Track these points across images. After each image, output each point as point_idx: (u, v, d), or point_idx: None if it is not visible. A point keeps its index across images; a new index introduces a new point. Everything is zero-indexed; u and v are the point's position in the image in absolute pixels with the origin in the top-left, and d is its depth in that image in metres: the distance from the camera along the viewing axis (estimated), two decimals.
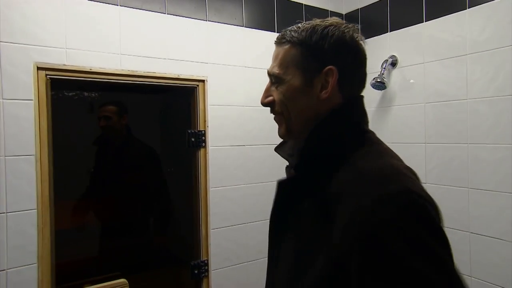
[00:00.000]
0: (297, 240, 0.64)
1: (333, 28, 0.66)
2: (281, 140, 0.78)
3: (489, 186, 1.56)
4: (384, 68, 1.93)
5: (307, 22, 0.69)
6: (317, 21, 0.68)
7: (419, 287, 0.48)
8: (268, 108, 0.73)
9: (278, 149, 0.79)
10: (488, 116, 1.56)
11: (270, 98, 0.71)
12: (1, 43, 1.29)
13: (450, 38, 1.69)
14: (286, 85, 0.68)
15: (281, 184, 0.70)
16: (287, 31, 0.70)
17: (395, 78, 1.95)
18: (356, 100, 0.70)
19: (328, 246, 0.56)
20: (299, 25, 0.69)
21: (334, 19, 0.68)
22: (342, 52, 0.66)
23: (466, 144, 1.64)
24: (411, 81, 1.87)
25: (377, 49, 2.04)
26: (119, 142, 2.39)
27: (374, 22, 2.06)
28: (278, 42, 0.71)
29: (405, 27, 1.89)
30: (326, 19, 0.68)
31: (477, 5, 1.58)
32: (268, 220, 0.75)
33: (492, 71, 1.54)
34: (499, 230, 1.51)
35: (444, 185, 1.72)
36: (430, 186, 1.78)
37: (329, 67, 0.65)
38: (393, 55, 1.95)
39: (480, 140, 1.58)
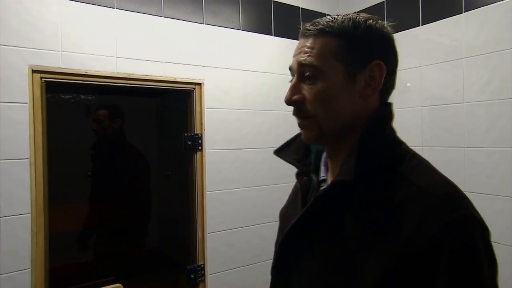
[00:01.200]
0: (333, 257, 0.58)
1: (375, 22, 0.60)
2: (276, 144, 0.72)
3: (486, 189, 1.56)
4: None
5: (340, 14, 0.62)
6: (350, 14, 0.61)
7: None
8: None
9: (280, 152, 0.71)
10: (485, 119, 1.56)
11: (300, 95, 0.61)
12: None
13: (446, 41, 1.69)
14: (326, 79, 0.59)
15: (319, 199, 0.61)
16: (320, 21, 0.61)
17: None
18: (391, 105, 0.64)
19: (379, 260, 0.52)
20: (335, 16, 0.61)
21: (366, 15, 0.62)
22: (388, 48, 0.61)
23: (463, 148, 1.64)
24: (408, 84, 1.87)
25: None
26: (111, 146, 2.39)
27: None
28: (310, 33, 0.61)
29: (402, 30, 1.89)
30: (357, 12, 0.62)
31: (473, 9, 1.59)
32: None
33: (488, 75, 1.54)
34: (497, 233, 1.51)
35: None
36: None
37: (377, 61, 0.58)
38: None
39: (477, 143, 1.59)
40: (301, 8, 2.06)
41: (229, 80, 1.79)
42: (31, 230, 1.32)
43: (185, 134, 1.71)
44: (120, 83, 1.53)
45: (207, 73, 1.74)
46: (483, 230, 0.52)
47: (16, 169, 1.30)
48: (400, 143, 0.63)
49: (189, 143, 1.71)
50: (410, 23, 1.85)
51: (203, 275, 1.71)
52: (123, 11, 1.53)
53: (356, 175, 0.55)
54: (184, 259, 1.91)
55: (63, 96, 2.88)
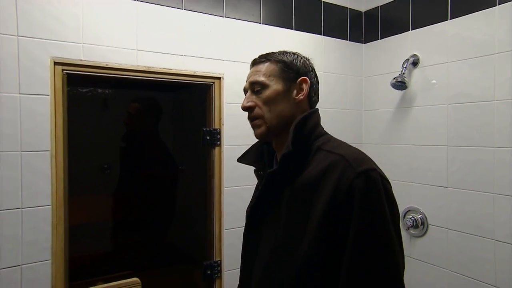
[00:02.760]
0: (283, 221, 0.80)
1: (297, 54, 0.91)
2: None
3: None
4: (405, 67, 1.87)
5: (275, 51, 0.91)
6: (283, 50, 0.92)
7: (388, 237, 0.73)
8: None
9: (241, 159, 0.95)
10: None
11: (252, 103, 0.87)
12: (19, 37, 1.28)
13: (477, 36, 1.62)
14: (270, 89, 0.85)
15: (269, 174, 0.83)
16: (264, 55, 0.90)
17: (416, 78, 1.89)
18: (316, 110, 0.90)
19: (318, 210, 0.74)
20: (273, 51, 0.91)
21: (293, 51, 0.93)
22: (308, 70, 0.90)
23: (492, 148, 1.57)
24: (433, 81, 1.80)
25: (397, 48, 1.98)
26: (143, 141, 2.35)
27: (395, 20, 2.00)
28: (258, 62, 0.90)
29: (428, 25, 1.82)
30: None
31: (508, 2, 1.51)
32: None
33: None
34: None
35: (467, 190, 1.66)
36: (452, 190, 1.72)
37: (303, 77, 0.88)
38: (415, 54, 1.89)
39: (508, 143, 1.51)
40: (323, 1, 2.01)
41: None
42: (52, 222, 1.33)
43: (204, 129, 1.69)
44: (140, 76, 1.52)
45: (226, 67, 1.72)
46: (382, 180, 0.76)
47: (37, 161, 1.31)
48: (321, 132, 0.88)
49: (208, 138, 1.69)
50: (437, 17, 1.78)
51: (220, 271, 1.70)
52: (144, 3, 1.52)
53: (292, 147, 0.80)
54: (199, 254, 1.90)
55: (80, 90, 2.90)
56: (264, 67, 0.87)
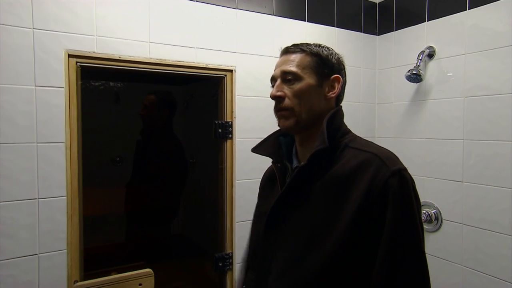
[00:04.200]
0: (312, 214, 0.79)
1: (332, 49, 0.90)
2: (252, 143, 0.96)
3: None
4: (420, 59, 1.83)
5: (310, 42, 0.90)
6: (316, 43, 0.90)
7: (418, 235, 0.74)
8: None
9: (257, 149, 0.94)
10: None
11: (282, 92, 0.84)
12: (35, 30, 1.29)
13: (497, 27, 1.57)
14: (303, 82, 0.83)
15: (301, 169, 0.82)
16: (299, 44, 0.87)
17: (431, 70, 1.84)
18: (341, 107, 0.90)
19: (351, 205, 0.74)
20: (308, 42, 0.89)
21: (326, 45, 0.91)
22: (341, 68, 0.89)
23: (510, 142, 1.53)
24: (449, 74, 1.76)
25: (413, 40, 1.94)
26: (157, 134, 2.36)
27: (410, 11, 1.95)
28: (292, 51, 0.87)
29: (445, 16, 1.77)
30: (320, 43, 0.91)
31: None
32: None
33: None
34: None
35: (484, 185, 1.62)
36: (467, 185, 1.69)
37: (337, 75, 0.87)
38: (431, 46, 1.84)
39: None
40: None
41: (261, 67, 1.75)
42: (67, 212, 1.35)
43: (216, 122, 1.69)
44: (153, 68, 1.52)
45: (238, 59, 1.71)
46: (411, 178, 0.78)
47: (52, 152, 1.33)
48: (346, 129, 0.88)
49: (219, 130, 1.69)
50: (455, 7, 1.73)
51: (231, 263, 1.71)
52: None
53: (328, 143, 0.79)
54: (210, 246, 1.91)
55: (93, 83, 2.93)
56: (298, 57, 0.85)
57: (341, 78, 0.86)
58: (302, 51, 0.85)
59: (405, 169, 0.76)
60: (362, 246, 0.74)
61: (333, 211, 0.76)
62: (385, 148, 0.82)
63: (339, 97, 0.89)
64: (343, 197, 0.76)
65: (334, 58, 0.87)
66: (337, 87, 0.85)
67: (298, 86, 0.83)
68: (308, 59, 0.84)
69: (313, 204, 0.80)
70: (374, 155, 0.77)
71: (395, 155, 0.80)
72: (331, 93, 0.85)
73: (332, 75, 0.86)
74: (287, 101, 0.83)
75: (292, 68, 0.83)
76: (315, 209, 0.79)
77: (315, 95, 0.84)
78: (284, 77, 0.85)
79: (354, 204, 0.74)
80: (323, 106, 0.85)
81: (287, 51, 0.87)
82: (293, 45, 0.88)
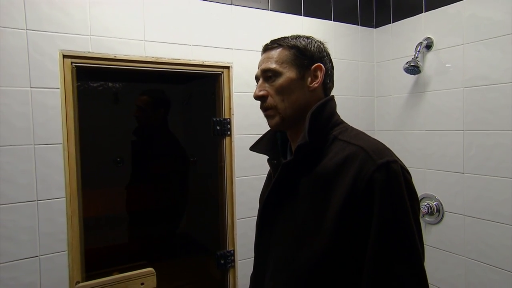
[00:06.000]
0: (300, 211, 0.78)
1: (311, 38, 0.87)
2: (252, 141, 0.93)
3: None
4: (418, 51, 1.81)
5: (288, 35, 0.87)
6: (296, 34, 0.88)
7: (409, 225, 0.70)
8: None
9: (254, 148, 0.93)
10: None
11: (265, 91, 0.83)
12: (28, 31, 1.29)
13: (495, 16, 1.55)
14: (283, 77, 0.81)
15: (284, 165, 0.81)
16: (276, 40, 0.86)
17: (430, 62, 1.83)
18: (332, 97, 0.86)
19: (337, 202, 0.72)
20: (286, 36, 0.86)
21: (307, 35, 0.88)
22: (323, 55, 0.86)
23: (510, 132, 1.52)
24: (447, 65, 1.75)
25: (410, 32, 1.92)
26: (152, 134, 2.36)
27: (407, 3, 1.93)
28: (270, 48, 0.85)
29: (442, 6, 1.76)
30: (298, 34, 0.88)
31: None
32: None
33: None
34: None
35: (485, 175, 1.61)
36: (468, 176, 1.67)
37: (318, 64, 0.83)
38: (428, 37, 1.82)
39: None
40: None
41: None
42: (66, 213, 1.35)
43: (214, 119, 1.68)
44: (148, 67, 1.51)
45: (235, 56, 1.70)
46: (403, 171, 0.73)
47: (50, 154, 1.32)
48: (337, 121, 0.84)
49: (218, 128, 1.68)
50: None
51: (233, 260, 1.71)
52: None
53: (309, 138, 0.77)
54: (212, 244, 1.91)
55: (92, 84, 2.92)
56: (276, 53, 0.83)
57: (322, 66, 0.83)
58: (280, 45, 0.84)
59: (394, 161, 0.72)
60: (353, 243, 0.72)
61: (319, 208, 0.75)
62: (375, 140, 0.79)
63: (326, 85, 0.86)
64: (328, 194, 0.74)
65: (313, 46, 0.84)
66: (320, 75, 0.82)
67: (278, 82, 0.81)
68: (285, 52, 0.82)
69: (301, 201, 0.78)
70: (360, 148, 0.74)
71: (385, 146, 0.77)
72: (314, 83, 0.82)
73: (313, 64, 0.83)
74: (270, 100, 0.83)
75: (271, 65, 0.82)
76: (303, 206, 0.78)
77: (297, 89, 0.82)
78: (265, 76, 0.84)
79: (339, 201, 0.71)
80: (308, 98, 0.83)
81: (266, 48, 0.86)
82: (271, 41, 0.86)
